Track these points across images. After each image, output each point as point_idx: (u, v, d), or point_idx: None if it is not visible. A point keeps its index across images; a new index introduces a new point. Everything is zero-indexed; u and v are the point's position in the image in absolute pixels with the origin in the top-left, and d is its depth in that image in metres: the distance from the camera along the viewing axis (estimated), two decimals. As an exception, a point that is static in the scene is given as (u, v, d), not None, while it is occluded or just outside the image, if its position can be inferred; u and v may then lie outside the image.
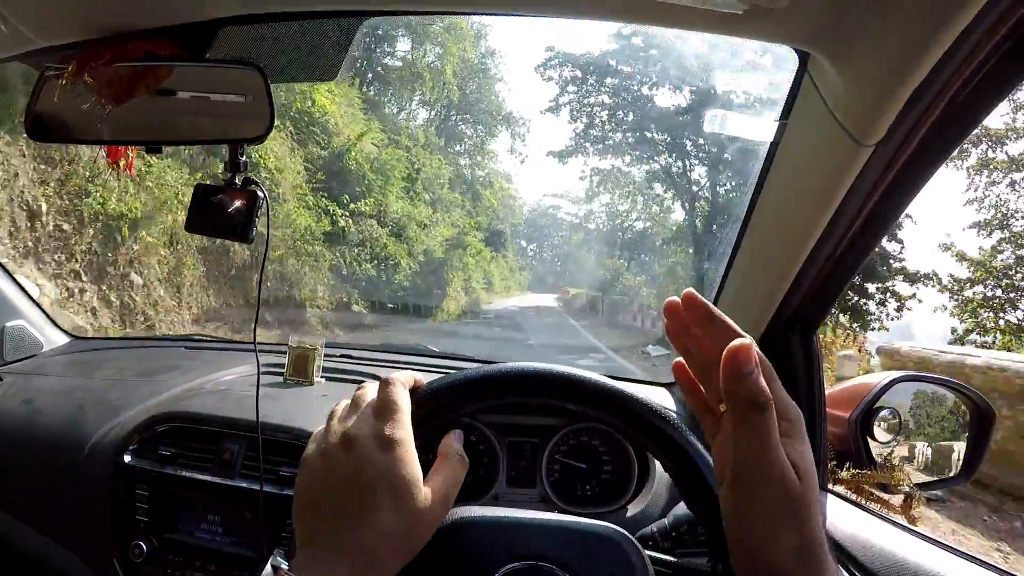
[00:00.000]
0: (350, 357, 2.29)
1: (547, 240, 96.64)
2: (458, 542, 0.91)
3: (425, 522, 0.78)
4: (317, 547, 0.75)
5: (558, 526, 0.94)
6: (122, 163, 1.29)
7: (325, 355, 2.08)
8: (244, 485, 1.53)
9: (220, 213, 1.18)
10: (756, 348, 0.78)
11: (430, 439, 0.89)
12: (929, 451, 1.75)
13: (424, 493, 0.79)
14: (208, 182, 1.22)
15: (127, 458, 1.63)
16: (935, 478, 1.76)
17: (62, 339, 2.46)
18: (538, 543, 0.91)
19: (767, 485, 0.72)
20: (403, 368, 2.01)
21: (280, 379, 1.99)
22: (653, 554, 0.96)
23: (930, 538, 1.20)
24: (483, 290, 38.12)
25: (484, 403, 0.93)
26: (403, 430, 0.81)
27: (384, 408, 0.83)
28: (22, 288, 2.32)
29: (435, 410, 0.90)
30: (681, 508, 1.10)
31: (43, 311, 2.41)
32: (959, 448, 1.75)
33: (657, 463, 1.63)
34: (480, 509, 0.95)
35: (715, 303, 1.52)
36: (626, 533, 0.93)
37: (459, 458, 0.87)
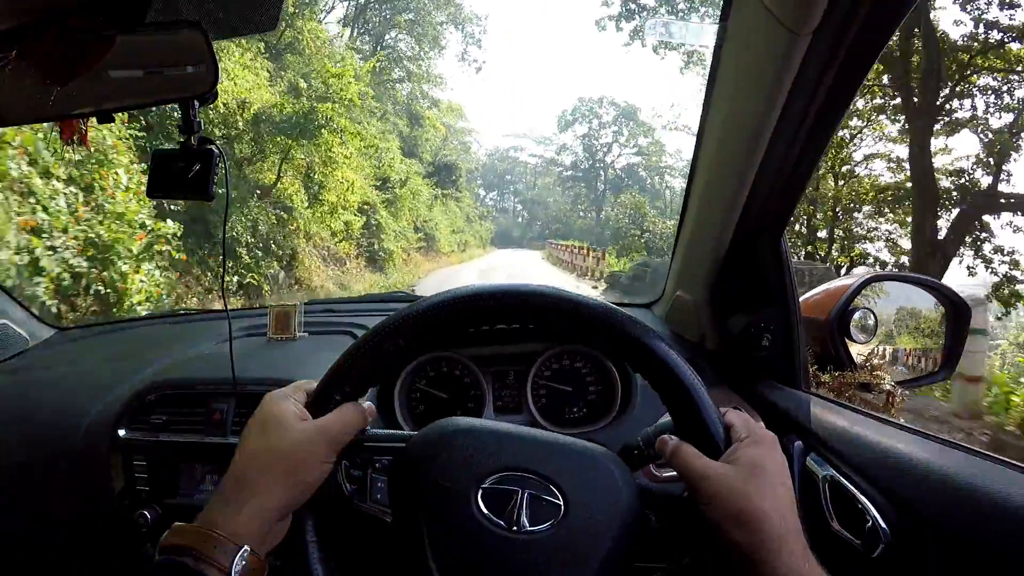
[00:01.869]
0: (332, 311, 2.32)
1: (510, 187, 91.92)
2: (449, 448, 0.94)
3: (294, 443, 0.89)
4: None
5: (548, 441, 0.96)
6: (76, 137, 1.29)
7: (308, 311, 2.11)
8: (236, 441, 1.54)
9: (179, 175, 1.20)
10: None
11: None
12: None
13: (292, 423, 0.91)
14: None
15: (122, 432, 1.66)
16: (915, 376, 1.79)
17: (46, 332, 2.46)
18: (527, 455, 0.93)
19: None
20: (384, 315, 2.04)
21: (264, 339, 2.02)
22: (644, 480, 0.98)
23: (914, 428, 1.21)
24: (420, 249, 30.74)
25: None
26: (277, 395, 0.97)
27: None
28: (2, 287, 2.32)
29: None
30: (666, 416, 1.12)
31: (24, 307, 2.41)
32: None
33: (638, 378, 1.66)
34: (474, 420, 0.99)
35: (681, 221, 1.54)
36: (615, 456, 0.96)
37: (354, 404, 0.95)
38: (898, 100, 14.59)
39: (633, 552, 0.90)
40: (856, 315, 1.65)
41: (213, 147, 1.21)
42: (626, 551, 0.89)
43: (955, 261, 13.53)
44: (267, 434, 0.89)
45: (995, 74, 13.64)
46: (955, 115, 14.09)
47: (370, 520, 0.97)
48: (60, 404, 1.85)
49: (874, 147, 17.07)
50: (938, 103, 13.71)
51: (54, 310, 7.02)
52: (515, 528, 0.87)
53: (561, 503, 0.89)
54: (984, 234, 13.87)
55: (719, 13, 1.18)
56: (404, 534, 0.92)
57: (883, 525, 1.04)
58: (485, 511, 0.88)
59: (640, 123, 76.41)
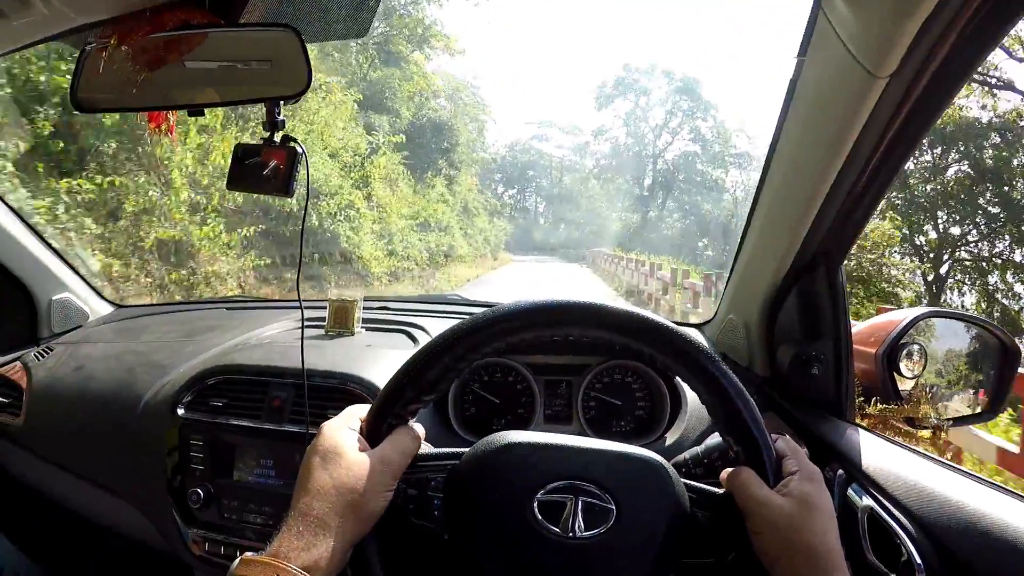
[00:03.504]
0: (388, 308, 2.35)
1: (532, 183, 76.08)
2: (504, 462, 0.96)
3: (358, 476, 0.91)
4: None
5: (599, 449, 0.98)
6: (163, 127, 1.33)
7: (365, 307, 2.14)
8: (294, 429, 1.60)
9: (260, 170, 1.23)
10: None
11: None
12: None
13: (355, 456, 0.93)
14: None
15: (180, 411, 1.70)
16: (963, 414, 1.79)
17: (106, 308, 2.52)
18: (580, 464, 0.96)
19: None
20: (438, 317, 2.07)
21: (322, 331, 2.05)
22: (689, 482, 1.00)
23: (956, 467, 1.22)
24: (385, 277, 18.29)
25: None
26: (334, 425, 0.99)
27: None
28: (66, 261, 2.38)
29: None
30: (714, 437, 1.14)
31: (87, 282, 2.47)
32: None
33: (690, 396, 1.68)
34: (527, 433, 1.00)
35: (741, 243, 1.56)
36: (663, 460, 0.98)
37: (406, 429, 1.00)
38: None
39: (683, 550, 0.94)
40: (906, 350, 1.65)
41: (296, 145, 1.24)
42: (676, 549, 0.93)
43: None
44: (330, 468, 0.91)
45: None
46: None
47: (429, 537, 0.99)
48: (118, 379, 1.92)
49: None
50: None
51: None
52: (570, 535, 0.90)
53: (613, 507, 0.92)
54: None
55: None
56: (461, 550, 0.95)
57: (919, 561, 1.05)
58: (541, 520, 0.91)
59: (701, 101, 61.53)
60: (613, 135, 68.07)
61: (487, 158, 60.45)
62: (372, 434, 0.98)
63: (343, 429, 0.97)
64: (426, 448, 1.06)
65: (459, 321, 0.98)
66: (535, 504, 0.92)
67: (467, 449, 1.01)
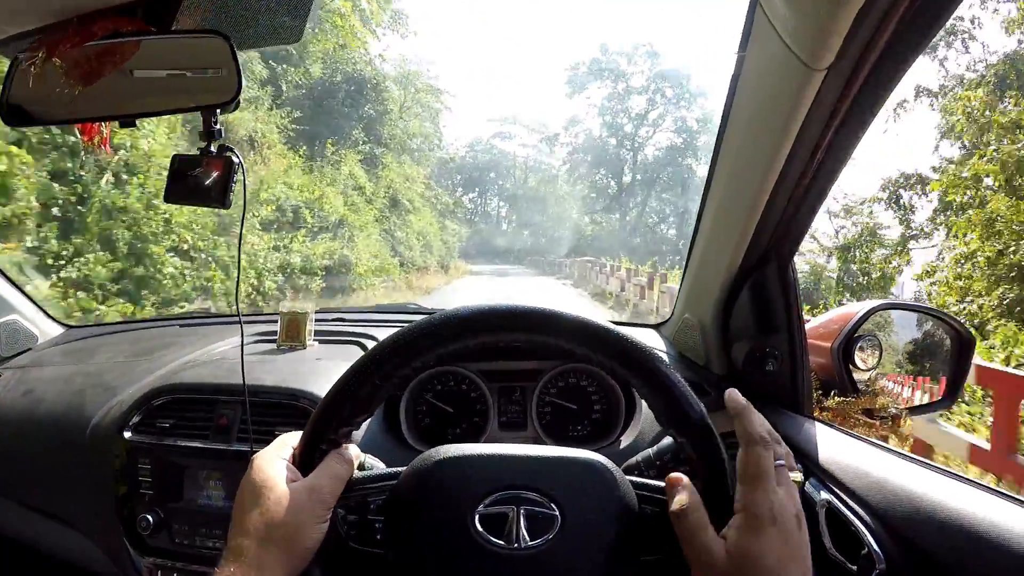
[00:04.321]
0: (343, 320, 2.32)
1: (494, 185, 70.44)
2: (440, 479, 0.94)
3: (288, 510, 0.88)
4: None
5: (539, 456, 0.97)
6: (96, 140, 1.31)
7: (318, 319, 2.12)
8: (243, 449, 1.58)
9: (198, 182, 1.21)
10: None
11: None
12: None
13: (283, 489, 0.90)
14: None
15: (128, 434, 1.67)
16: (919, 403, 1.80)
17: (56, 329, 2.48)
18: (520, 473, 0.94)
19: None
20: (394, 326, 2.05)
21: (274, 345, 2.02)
22: (634, 478, 0.98)
23: (912, 457, 1.22)
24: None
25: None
26: (266, 455, 0.96)
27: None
28: (13, 283, 2.34)
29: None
30: (667, 439, 1.13)
31: (35, 304, 2.42)
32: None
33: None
34: (463, 446, 0.99)
35: (693, 241, 1.56)
36: (605, 460, 0.96)
37: (337, 456, 0.96)
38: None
39: (635, 549, 0.92)
40: (860, 342, 1.66)
41: (233, 155, 1.21)
42: (628, 549, 0.91)
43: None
44: (260, 503, 0.89)
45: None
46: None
47: (374, 559, 0.96)
48: (67, 403, 1.88)
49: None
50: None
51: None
52: (516, 545, 0.88)
53: (557, 514, 0.90)
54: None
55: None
56: (407, 570, 0.93)
57: (878, 552, 1.05)
58: (484, 533, 0.89)
59: (686, 88, 55.23)
60: (587, 126, 62.02)
61: (444, 157, 55.38)
62: (304, 462, 0.95)
63: (274, 460, 0.95)
64: (369, 466, 1.05)
65: (394, 333, 0.97)
66: (477, 517, 0.90)
67: (404, 469, 0.99)
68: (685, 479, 0.91)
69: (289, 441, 0.99)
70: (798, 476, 0.92)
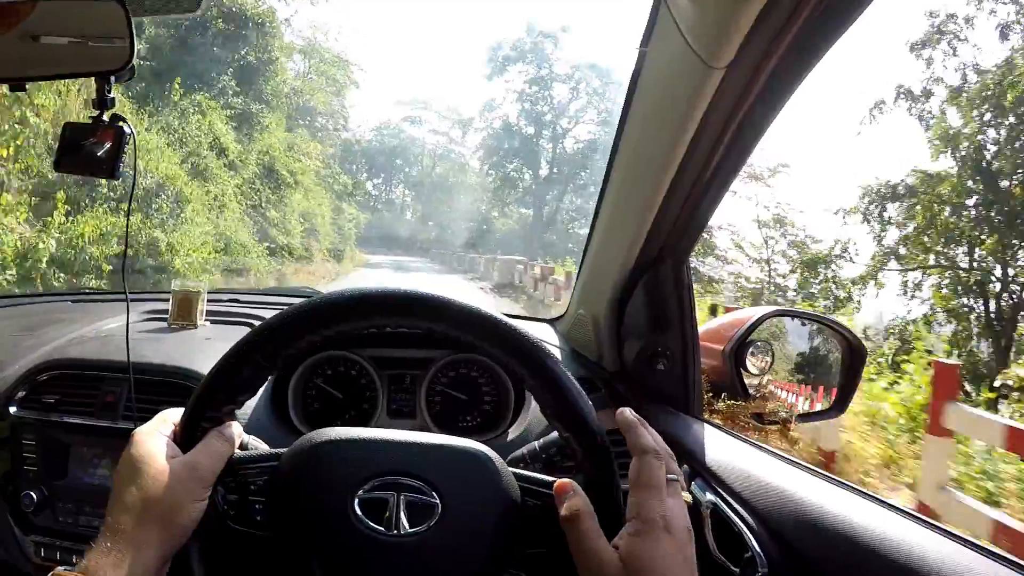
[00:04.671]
0: (238, 301, 2.30)
1: (401, 172, 65.90)
2: (320, 461, 0.93)
3: (166, 487, 0.87)
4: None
5: (421, 443, 0.96)
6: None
7: (211, 299, 2.10)
8: (129, 427, 1.51)
9: (87, 151, 1.18)
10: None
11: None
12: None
13: (162, 465, 0.89)
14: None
15: (12, 409, 1.64)
16: (809, 410, 1.84)
17: (-57, 301, 2.39)
18: (400, 459, 0.93)
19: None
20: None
21: (165, 324, 1.99)
22: (519, 471, 0.98)
23: (796, 461, 1.24)
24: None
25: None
26: (145, 430, 0.94)
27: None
28: None
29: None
30: (554, 433, 1.13)
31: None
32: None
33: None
34: (345, 429, 0.97)
35: (590, 237, 1.56)
36: (488, 450, 0.96)
37: (217, 434, 0.95)
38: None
39: (515, 541, 0.91)
40: (753, 347, 1.69)
41: (124, 125, 1.19)
42: (508, 541, 0.91)
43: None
44: (137, 479, 0.87)
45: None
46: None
47: (255, 540, 0.95)
48: None
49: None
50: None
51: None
52: (395, 532, 0.87)
53: (438, 502, 0.89)
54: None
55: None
56: (287, 552, 0.91)
57: (760, 554, 1.06)
58: (364, 519, 0.88)
59: (610, 80, 51.56)
60: (504, 112, 57.00)
61: (350, 138, 53.56)
62: (185, 439, 0.94)
63: (154, 435, 0.93)
64: (252, 447, 1.04)
65: (280, 312, 0.96)
66: (356, 502, 0.89)
67: (285, 450, 0.97)
68: (576, 485, 0.90)
69: (171, 417, 0.97)
70: (687, 496, 0.91)
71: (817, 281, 19.19)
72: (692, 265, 1.52)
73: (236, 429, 0.98)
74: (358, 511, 0.88)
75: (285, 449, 0.98)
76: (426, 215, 63.78)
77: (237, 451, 0.98)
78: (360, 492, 0.89)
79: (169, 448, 0.91)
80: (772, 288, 20.80)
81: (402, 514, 0.88)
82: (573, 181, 48.09)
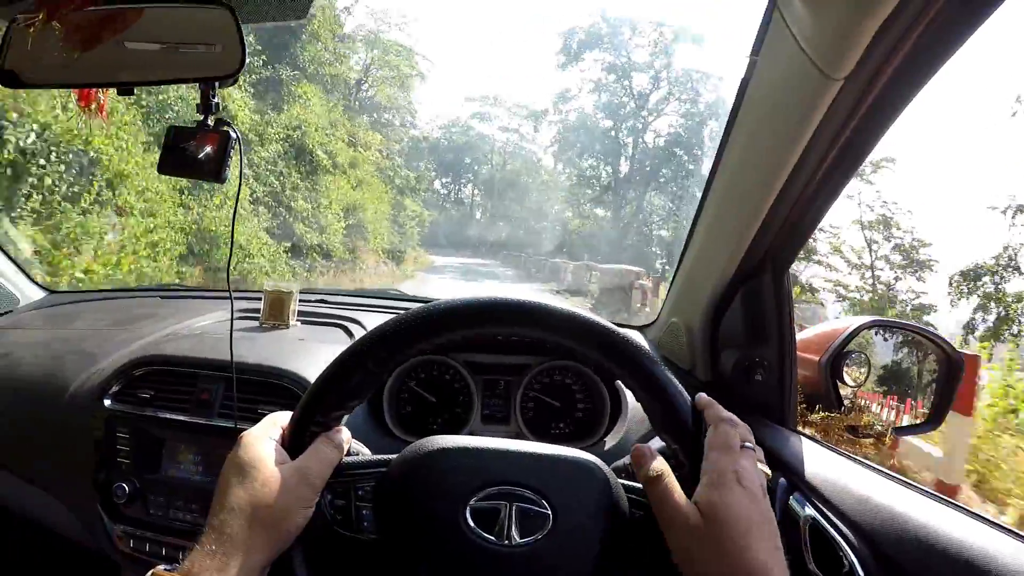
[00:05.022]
0: (325, 302, 2.32)
1: (470, 171, 59.23)
2: (431, 469, 0.93)
3: (275, 491, 0.87)
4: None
5: (534, 452, 0.96)
6: (93, 106, 1.29)
7: (301, 300, 2.11)
8: (223, 424, 1.58)
9: (193, 155, 1.20)
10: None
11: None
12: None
13: (272, 470, 0.89)
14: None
15: (107, 402, 1.67)
16: (906, 424, 1.80)
17: (38, 293, 2.46)
18: (513, 469, 0.93)
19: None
20: (377, 312, 2.04)
21: (256, 323, 2.02)
22: (627, 482, 0.97)
23: (897, 477, 1.21)
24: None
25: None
26: (254, 434, 0.94)
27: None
28: (-2, 245, 2.32)
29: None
30: (656, 441, 1.12)
31: (18, 266, 2.41)
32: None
33: (630, 399, 1.67)
34: (457, 437, 0.97)
35: (687, 245, 1.54)
36: (599, 461, 0.96)
37: (326, 439, 0.95)
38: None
39: (623, 553, 0.91)
40: (849, 358, 1.66)
41: (230, 129, 1.20)
42: (616, 552, 0.90)
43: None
44: (246, 482, 0.87)
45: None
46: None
47: (359, 545, 0.95)
48: (46, 367, 1.86)
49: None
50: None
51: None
52: (506, 542, 0.87)
53: (549, 512, 0.89)
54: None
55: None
56: (395, 559, 0.92)
57: (860, 572, 1.04)
58: (475, 528, 0.88)
59: (694, 70, 43.38)
60: (579, 104, 50.05)
61: (417, 135, 47.69)
62: (293, 444, 0.94)
63: (262, 439, 0.93)
64: (356, 453, 1.04)
65: (384, 321, 0.95)
66: (468, 511, 0.89)
67: (394, 456, 0.98)
68: (652, 448, 0.92)
69: (279, 421, 0.98)
70: (766, 469, 0.92)
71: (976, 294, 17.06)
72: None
73: (345, 435, 0.98)
74: (470, 520, 0.89)
75: (393, 456, 0.98)
76: (496, 215, 57.22)
77: (344, 457, 0.98)
78: (472, 501, 0.90)
79: (278, 453, 0.92)
80: (878, 297, 19.22)
81: (514, 524, 0.88)
82: (655, 179, 42.31)
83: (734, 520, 0.81)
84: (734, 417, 0.93)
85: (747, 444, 0.90)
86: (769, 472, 0.92)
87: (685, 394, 0.93)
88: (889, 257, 19.97)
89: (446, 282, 28.50)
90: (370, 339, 0.94)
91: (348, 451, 1.01)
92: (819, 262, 20.21)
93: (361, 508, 0.96)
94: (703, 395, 0.96)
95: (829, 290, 19.77)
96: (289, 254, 16.97)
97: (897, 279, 19.70)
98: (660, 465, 0.89)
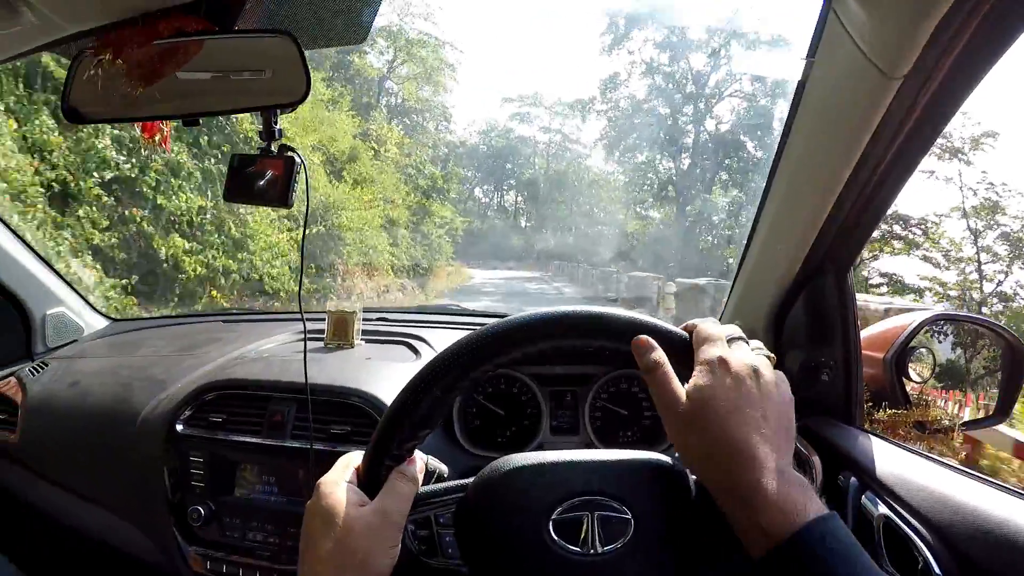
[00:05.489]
0: (386, 320, 2.34)
1: (512, 176, 56.80)
2: (512, 489, 0.94)
3: (361, 536, 0.87)
4: None
5: (606, 461, 0.96)
6: (158, 138, 1.32)
7: (364, 318, 2.12)
8: (296, 445, 1.59)
9: (257, 181, 1.21)
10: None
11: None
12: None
13: (354, 514, 0.88)
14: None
15: (179, 427, 1.69)
16: (973, 417, 1.78)
17: (101, 322, 2.51)
18: (589, 479, 0.93)
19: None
20: (438, 327, 2.05)
21: (321, 344, 2.03)
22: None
23: (970, 471, 1.20)
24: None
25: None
26: (330, 480, 0.94)
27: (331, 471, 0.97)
28: (60, 275, 2.36)
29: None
30: None
31: (81, 296, 2.45)
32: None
33: None
34: (529, 455, 0.98)
35: (746, 249, 1.54)
36: (671, 459, 0.96)
37: (400, 475, 0.94)
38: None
39: (705, 551, 0.91)
40: (914, 354, 1.64)
41: (295, 155, 1.22)
42: (698, 551, 0.90)
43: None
44: (330, 530, 0.87)
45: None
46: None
47: (447, 572, 0.97)
48: (114, 395, 1.90)
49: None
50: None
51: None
52: (591, 552, 0.88)
53: (630, 517, 0.90)
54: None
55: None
56: None
57: (936, 570, 1.03)
58: (559, 541, 0.89)
59: (753, 41, 39.51)
60: (630, 90, 45.54)
61: (453, 140, 46.94)
62: (370, 483, 0.94)
63: (338, 484, 0.93)
64: (435, 471, 1.05)
65: (451, 344, 0.95)
66: (551, 525, 0.90)
67: (470, 480, 0.99)
68: (652, 341, 0.91)
69: (351, 462, 0.98)
70: (767, 353, 0.93)
71: None
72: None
73: (418, 466, 0.98)
74: (553, 534, 0.89)
75: (469, 480, 0.99)
76: (541, 222, 55.18)
77: (421, 487, 0.99)
78: (554, 515, 0.90)
79: (356, 495, 0.92)
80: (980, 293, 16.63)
81: (597, 533, 0.89)
82: (720, 172, 37.42)
83: (716, 402, 0.83)
84: (716, 322, 0.94)
85: (734, 335, 0.92)
86: (773, 356, 0.92)
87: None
88: (994, 248, 17.61)
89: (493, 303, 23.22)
90: (437, 365, 0.94)
91: (427, 468, 1.02)
92: (906, 254, 18.30)
93: (444, 535, 0.96)
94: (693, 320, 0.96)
95: (925, 287, 17.72)
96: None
97: (1006, 273, 17.48)
98: (659, 355, 0.90)
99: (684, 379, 0.89)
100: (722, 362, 0.86)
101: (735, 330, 0.93)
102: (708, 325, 0.92)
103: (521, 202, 58.83)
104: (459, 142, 48.90)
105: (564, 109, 53.72)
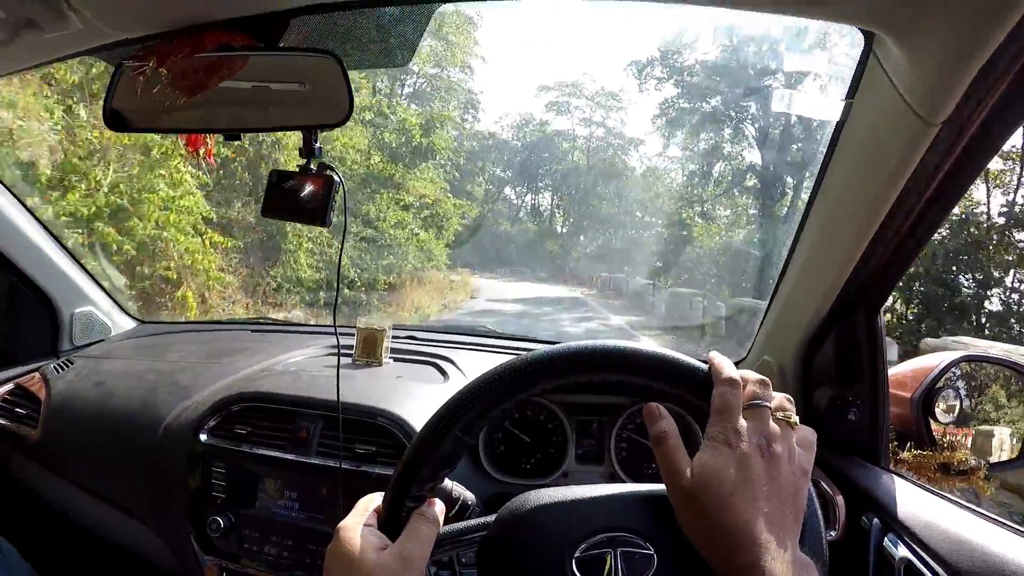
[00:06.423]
0: (415, 338, 2.33)
1: (548, 174, 48.11)
2: (534, 527, 0.93)
3: None
4: None
5: (629, 496, 0.96)
6: (202, 151, 1.33)
7: (393, 336, 2.11)
8: (321, 462, 1.58)
9: (296, 198, 1.22)
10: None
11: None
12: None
13: (376, 559, 0.88)
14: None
15: (203, 437, 1.69)
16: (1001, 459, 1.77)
17: (129, 323, 2.53)
18: (613, 514, 0.93)
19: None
20: (467, 349, 2.05)
21: (349, 360, 2.02)
22: None
23: (994, 518, 1.19)
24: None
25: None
26: (350, 524, 0.93)
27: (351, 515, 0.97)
28: (90, 274, 2.38)
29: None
30: None
31: (110, 296, 2.47)
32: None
33: None
34: (550, 491, 0.97)
35: (779, 282, 1.54)
36: None
37: (420, 518, 0.94)
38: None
39: None
40: (942, 395, 1.63)
41: (334, 174, 1.22)
42: None
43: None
44: (352, 575, 0.87)
45: None
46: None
47: None
48: (139, 399, 1.91)
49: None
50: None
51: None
52: None
53: (652, 552, 0.89)
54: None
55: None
56: None
57: None
58: None
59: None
60: (697, 55, 36.02)
61: (482, 131, 41.54)
62: (390, 525, 0.94)
63: (359, 528, 0.92)
64: (459, 497, 1.05)
65: (471, 382, 0.94)
66: (574, 564, 0.89)
67: (491, 519, 0.98)
68: (662, 408, 0.92)
69: (370, 505, 0.97)
70: (793, 420, 0.87)
71: None
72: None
73: (439, 507, 0.98)
74: (576, 572, 0.88)
75: (490, 517, 0.99)
76: (579, 222, 47.11)
77: (443, 527, 0.98)
78: (577, 553, 0.89)
79: (376, 539, 0.91)
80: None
81: (620, 570, 0.88)
82: (800, 168, 27.83)
83: (718, 482, 0.81)
84: (737, 377, 0.89)
85: (756, 403, 0.87)
86: (796, 421, 0.90)
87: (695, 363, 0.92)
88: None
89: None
90: (455, 405, 0.93)
91: (453, 495, 1.02)
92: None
93: (466, 574, 0.96)
94: (715, 353, 0.93)
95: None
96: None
97: None
98: (666, 425, 0.90)
99: (702, 425, 0.88)
100: (732, 436, 0.84)
101: (761, 388, 0.89)
102: (723, 391, 0.87)
103: (557, 205, 49.98)
104: (487, 133, 44.79)
105: (607, 99, 45.25)
